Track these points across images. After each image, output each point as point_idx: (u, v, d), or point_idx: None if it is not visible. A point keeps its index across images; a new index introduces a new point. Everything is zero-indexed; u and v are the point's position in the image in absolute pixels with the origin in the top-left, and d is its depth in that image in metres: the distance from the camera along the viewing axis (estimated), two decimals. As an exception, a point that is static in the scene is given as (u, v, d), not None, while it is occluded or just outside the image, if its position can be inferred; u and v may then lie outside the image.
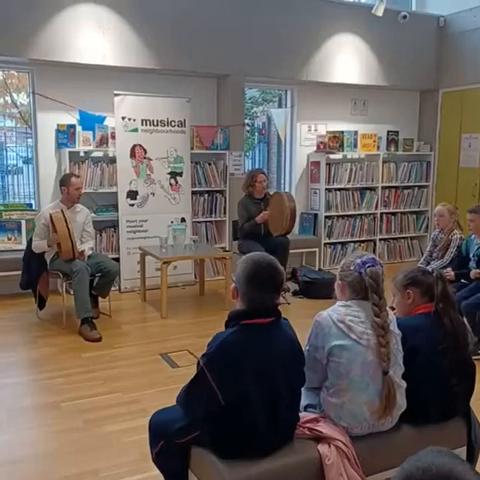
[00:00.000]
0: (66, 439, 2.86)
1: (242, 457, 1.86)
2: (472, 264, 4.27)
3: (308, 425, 2.03)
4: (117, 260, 5.45)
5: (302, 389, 2.03)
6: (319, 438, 1.99)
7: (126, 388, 3.47)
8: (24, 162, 6.96)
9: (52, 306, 4.92)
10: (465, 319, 3.87)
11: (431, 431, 2.12)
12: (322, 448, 1.95)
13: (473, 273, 4.16)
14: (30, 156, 6.12)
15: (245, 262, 1.95)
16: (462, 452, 2.19)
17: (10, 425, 3.00)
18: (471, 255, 4.32)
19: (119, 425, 2.99)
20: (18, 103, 7.04)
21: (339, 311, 2.04)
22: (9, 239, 5.62)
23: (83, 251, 4.54)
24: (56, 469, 2.58)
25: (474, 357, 2.68)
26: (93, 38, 5.38)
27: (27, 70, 5.62)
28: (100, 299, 4.86)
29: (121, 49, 5.54)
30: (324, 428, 2.01)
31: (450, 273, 4.19)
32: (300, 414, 2.04)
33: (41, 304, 4.82)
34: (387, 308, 2.05)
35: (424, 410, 2.11)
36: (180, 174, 5.98)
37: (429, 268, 4.12)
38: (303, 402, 2.09)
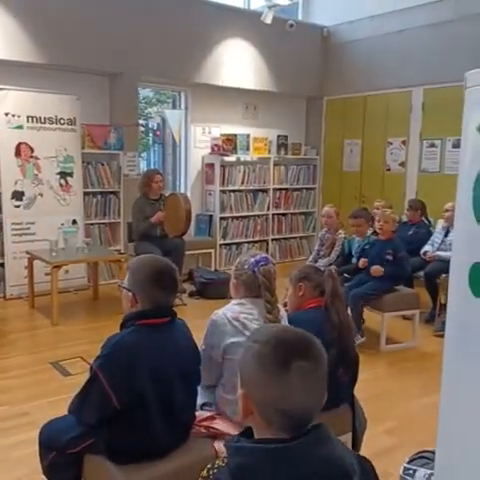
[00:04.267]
0: None
1: (138, 461, 1.84)
2: (354, 260, 4.69)
3: (204, 423, 2.06)
4: (1, 265, 5.13)
5: (198, 388, 2.06)
6: (215, 435, 2.04)
7: (14, 400, 3.28)
8: None
9: None
10: (349, 309, 4.16)
11: (319, 419, 2.24)
12: (218, 445, 1.99)
13: (362, 262, 4.43)
14: None
15: (136, 264, 1.96)
16: (347, 438, 2.33)
17: None
18: (353, 252, 4.77)
19: (7, 439, 2.83)
20: None
21: (233, 309, 2.10)
22: None
23: None
24: None
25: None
26: (-30, 27, 5.01)
27: None
28: (-18, 308, 4.55)
29: (3, 41, 5.20)
30: (220, 425, 2.06)
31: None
32: (196, 413, 2.07)
33: None
34: (278, 305, 2.16)
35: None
36: (71, 174, 5.74)
37: (317, 265, 4.38)
38: (199, 401, 2.12)
